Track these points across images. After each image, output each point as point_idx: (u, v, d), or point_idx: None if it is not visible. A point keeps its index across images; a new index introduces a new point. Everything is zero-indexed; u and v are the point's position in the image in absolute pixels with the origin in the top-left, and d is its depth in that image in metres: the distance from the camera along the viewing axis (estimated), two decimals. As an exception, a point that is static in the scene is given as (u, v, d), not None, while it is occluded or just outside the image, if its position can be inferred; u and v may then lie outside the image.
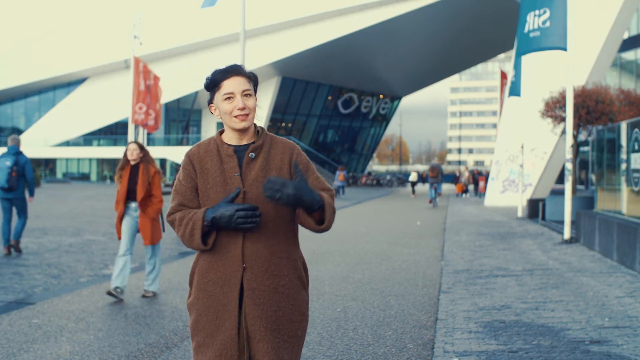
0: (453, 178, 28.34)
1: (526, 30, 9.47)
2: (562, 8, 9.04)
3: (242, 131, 2.07)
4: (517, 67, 14.10)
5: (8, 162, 8.06)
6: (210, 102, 2.11)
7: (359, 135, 45.37)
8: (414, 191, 27.83)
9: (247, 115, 2.04)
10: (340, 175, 24.94)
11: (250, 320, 2.02)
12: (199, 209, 2.04)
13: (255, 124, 2.14)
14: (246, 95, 2.05)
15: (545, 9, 9.09)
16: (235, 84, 2.04)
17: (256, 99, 2.10)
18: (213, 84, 2.07)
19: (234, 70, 2.06)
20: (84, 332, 4.52)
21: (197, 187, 2.09)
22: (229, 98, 2.04)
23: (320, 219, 2.05)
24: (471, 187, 31.45)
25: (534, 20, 9.25)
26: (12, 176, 8.04)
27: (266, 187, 1.93)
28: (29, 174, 8.24)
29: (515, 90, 14.42)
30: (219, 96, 2.06)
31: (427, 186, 38.16)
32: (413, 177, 28.72)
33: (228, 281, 2.03)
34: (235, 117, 2.03)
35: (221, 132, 2.14)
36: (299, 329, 2.11)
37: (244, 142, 2.09)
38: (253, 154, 2.07)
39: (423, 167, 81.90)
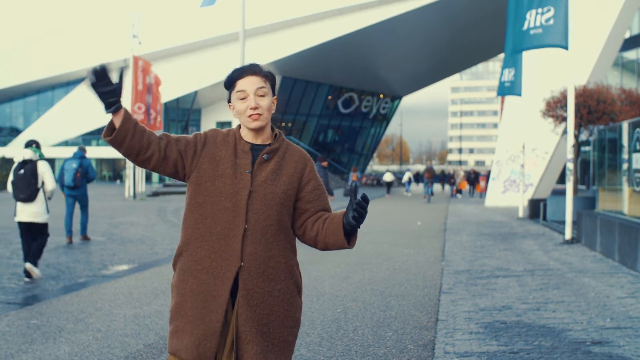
0: (440, 178, 27.95)
1: (525, 27, 9.48)
2: (566, 6, 9.10)
3: (257, 130, 2.07)
4: (517, 65, 14.04)
5: (74, 165, 9.62)
6: (229, 100, 2.12)
7: (359, 135, 45.33)
8: (389, 191, 29.18)
9: (260, 115, 2.03)
10: (353, 175, 26.59)
11: (241, 321, 1.99)
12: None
13: (273, 127, 2.13)
14: (260, 94, 2.05)
15: (549, 7, 9.13)
16: (249, 82, 2.04)
17: (275, 98, 2.10)
18: (230, 82, 2.08)
19: (249, 70, 2.06)
20: (82, 332, 4.50)
21: (188, 153, 2.06)
22: (242, 97, 2.05)
23: (350, 239, 2.08)
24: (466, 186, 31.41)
25: (535, 18, 9.26)
26: (76, 177, 9.57)
27: (361, 208, 1.95)
28: (92, 175, 9.85)
29: (512, 89, 14.36)
30: (234, 95, 2.07)
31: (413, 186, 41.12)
32: (388, 177, 30.00)
33: (222, 273, 2.00)
34: (249, 116, 2.04)
35: (239, 127, 2.15)
36: (290, 335, 2.09)
37: (259, 142, 2.09)
38: (267, 156, 2.07)
39: (424, 167, 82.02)
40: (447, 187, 33.16)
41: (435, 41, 34.53)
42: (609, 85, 13.58)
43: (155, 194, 25.55)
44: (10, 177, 6.53)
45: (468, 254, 8.61)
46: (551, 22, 9.14)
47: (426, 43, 34.74)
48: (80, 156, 9.73)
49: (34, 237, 6.56)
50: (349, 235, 2.06)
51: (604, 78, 18.10)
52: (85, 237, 9.82)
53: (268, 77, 2.08)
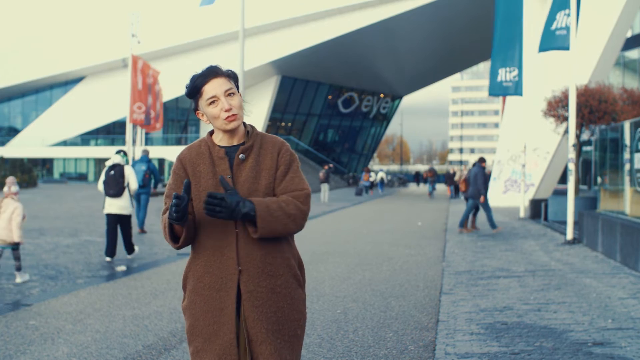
0: (445, 178, 28.18)
1: (554, 27, 9.60)
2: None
3: (232, 132, 2.06)
4: (518, 65, 14.00)
5: (143, 167, 11.13)
6: (196, 108, 2.09)
7: (359, 135, 45.29)
8: (372, 189, 31.45)
9: (235, 115, 2.02)
10: (365, 175, 28.81)
11: (250, 323, 1.99)
12: None
13: (245, 123, 2.12)
14: (229, 94, 2.03)
15: (570, 10, 9.35)
16: (216, 85, 2.02)
17: (240, 96, 2.08)
18: (194, 91, 2.04)
19: (212, 73, 2.03)
20: (81, 333, 4.47)
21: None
22: (213, 102, 2.02)
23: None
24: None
25: (562, 19, 9.38)
26: (145, 177, 11.03)
27: (206, 203, 1.92)
28: (157, 176, 11.53)
29: (511, 90, 14.32)
30: (202, 102, 2.04)
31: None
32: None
33: (224, 285, 2.01)
34: (224, 119, 2.02)
35: (211, 133, 2.13)
36: (298, 328, 2.09)
37: (235, 143, 2.08)
38: (243, 156, 2.06)
39: (424, 167, 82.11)
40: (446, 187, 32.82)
41: (435, 40, 34.48)
42: (611, 84, 13.53)
43: (155, 194, 25.50)
44: (102, 177, 8.03)
45: (469, 254, 8.58)
46: (571, 24, 9.32)
47: (426, 42, 34.68)
48: (147, 160, 11.25)
49: (120, 227, 7.96)
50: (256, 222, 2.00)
51: (605, 77, 18.08)
52: (142, 230, 11.01)
53: (231, 75, 2.06)
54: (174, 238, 2.03)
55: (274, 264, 2.04)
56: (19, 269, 6.42)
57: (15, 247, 6.40)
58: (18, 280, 6.39)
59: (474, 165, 12.03)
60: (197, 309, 2.04)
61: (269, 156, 2.07)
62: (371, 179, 31.40)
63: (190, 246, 2.11)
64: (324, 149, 42.22)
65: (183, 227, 1.99)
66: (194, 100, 2.07)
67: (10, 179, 6.51)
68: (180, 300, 5.60)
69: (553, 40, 9.65)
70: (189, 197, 1.95)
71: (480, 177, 11.43)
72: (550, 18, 9.76)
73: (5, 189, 6.51)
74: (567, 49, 9.62)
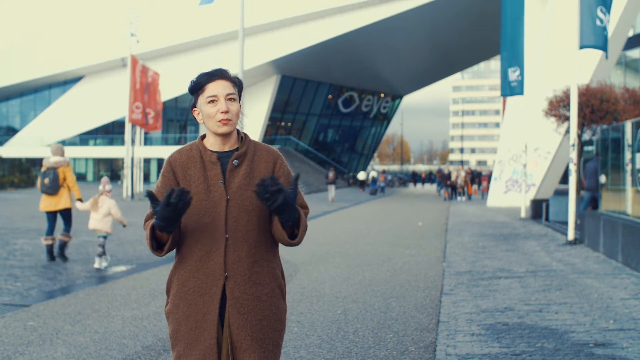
0: (441, 179, 27.68)
1: (598, 24, 9.36)
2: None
3: (224, 136, 2.04)
4: (521, 64, 13.96)
5: None
6: (194, 105, 2.08)
7: (359, 135, 45.28)
8: (363, 188, 33.42)
9: (229, 119, 2.01)
10: (381, 176, 31.93)
11: (234, 329, 1.98)
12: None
13: (238, 130, 2.11)
14: (230, 99, 2.02)
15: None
16: (220, 87, 2.02)
17: (240, 105, 2.07)
18: (197, 87, 2.04)
19: (219, 74, 2.04)
20: (80, 334, 4.45)
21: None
22: (212, 101, 2.01)
23: (293, 234, 2.02)
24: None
25: (602, 18, 9.18)
26: None
27: (262, 184, 1.88)
28: None
29: (518, 89, 14.27)
30: (202, 99, 2.04)
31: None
32: (361, 176, 34.29)
33: (209, 290, 1.99)
34: (219, 121, 2.01)
35: (203, 137, 2.11)
36: (280, 339, 2.09)
37: (227, 149, 2.06)
38: (237, 162, 2.04)
39: (424, 167, 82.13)
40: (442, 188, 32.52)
41: (436, 39, 34.45)
42: (612, 84, 13.52)
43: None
44: None
45: (469, 254, 8.56)
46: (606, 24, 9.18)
47: (427, 41, 34.66)
48: None
49: None
50: (293, 230, 2.00)
51: (607, 77, 18.05)
52: None
53: (236, 82, 2.06)
54: (159, 245, 1.99)
55: (261, 272, 2.02)
56: (101, 254, 7.34)
57: (105, 236, 7.42)
58: (97, 265, 7.30)
59: (591, 159, 11.75)
60: (180, 314, 2.02)
61: (263, 164, 2.06)
62: (361, 177, 32.79)
63: (175, 250, 2.08)
64: (324, 149, 42.20)
65: (170, 235, 1.96)
66: (195, 97, 2.06)
67: (104, 179, 7.60)
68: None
69: (603, 39, 9.33)
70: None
71: (594, 173, 11.13)
72: (593, 13, 9.29)
73: (100, 187, 7.52)
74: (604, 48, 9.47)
